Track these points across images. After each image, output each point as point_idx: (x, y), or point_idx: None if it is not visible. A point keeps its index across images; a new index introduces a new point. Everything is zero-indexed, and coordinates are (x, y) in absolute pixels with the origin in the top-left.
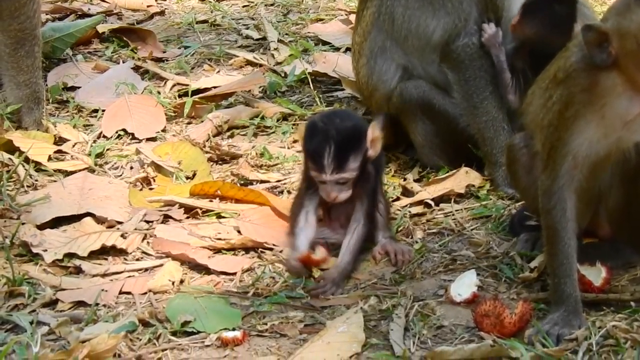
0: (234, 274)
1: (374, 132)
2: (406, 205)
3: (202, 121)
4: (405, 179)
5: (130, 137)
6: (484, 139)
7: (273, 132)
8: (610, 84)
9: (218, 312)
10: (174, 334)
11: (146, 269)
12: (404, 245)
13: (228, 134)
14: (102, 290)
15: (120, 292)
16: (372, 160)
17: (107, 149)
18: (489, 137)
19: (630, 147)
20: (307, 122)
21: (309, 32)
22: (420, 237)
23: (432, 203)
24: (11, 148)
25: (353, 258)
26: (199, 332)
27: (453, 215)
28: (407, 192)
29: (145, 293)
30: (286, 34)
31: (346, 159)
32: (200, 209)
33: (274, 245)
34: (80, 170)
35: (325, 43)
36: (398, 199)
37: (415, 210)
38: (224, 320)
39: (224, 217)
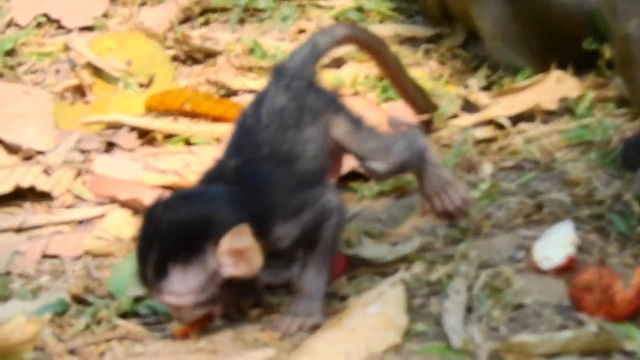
0: None
1: (235, 241)
2: (468, 126)
3: (163, 1)
4: (466, 87)
5: (56, 25)
6: None
7: (268, 18)
8: None
9: None
10: (122, 316)
11: (80, 222)
12: (460, 185)
13: (201, 19)
14: (16, 252)
15: (44, 256)
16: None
17: (22, 44)
18: None
19: None
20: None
21: None
22: (490, 173)
23: (508, 122)
24: None
25: (322, 277)
26: (157, 312)
27: (538, 140)
28: (469, 107)
29: (80, 257)
30: None
31: (166, 277)
32: (160, 132)
33: None
34: None
35: None
36: (455, 116)
37: (482, 133)
38: None
39: (194, 144)
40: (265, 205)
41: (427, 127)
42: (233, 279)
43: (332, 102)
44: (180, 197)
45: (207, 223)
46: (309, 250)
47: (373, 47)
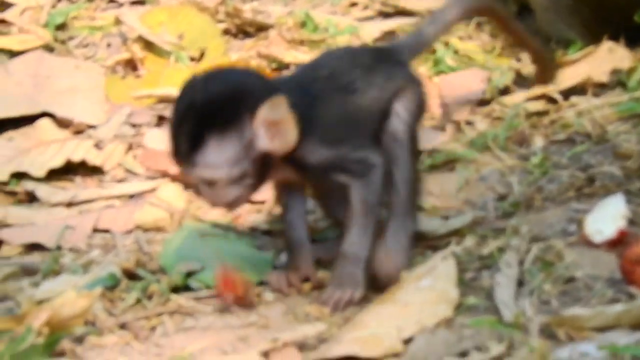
0: (263, 202)
1: (271, 112)
2: (520, 100)
3: None
4: (519, 60)
5: None
6: None
7: None
8: None
9: (239, 257)
10: (174, 290)
11: (132, 196)
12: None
13: None
14: (67, 227)
15: (94, 230)
16: (277, 155)
17: (73, 17)
18: None
19: None
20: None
21: None
22: (541, 146)
23: (559, 96)
24: None
25: (366, 239)
26: (209, 287)
27: (590, 113)
28: (521, 80)
29: (130, 231)
30: None
31: (202, 148)
32: None
33: None
34: (33, 49)
35: None
36: (507, 90)
37: (534, 106)
38: (248, 269)
39: None
40: (306, 113)
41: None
42: (267, 155)
43: (414, 83)
44: (217, 71)
45: (244, 94)
46: (351, 213)
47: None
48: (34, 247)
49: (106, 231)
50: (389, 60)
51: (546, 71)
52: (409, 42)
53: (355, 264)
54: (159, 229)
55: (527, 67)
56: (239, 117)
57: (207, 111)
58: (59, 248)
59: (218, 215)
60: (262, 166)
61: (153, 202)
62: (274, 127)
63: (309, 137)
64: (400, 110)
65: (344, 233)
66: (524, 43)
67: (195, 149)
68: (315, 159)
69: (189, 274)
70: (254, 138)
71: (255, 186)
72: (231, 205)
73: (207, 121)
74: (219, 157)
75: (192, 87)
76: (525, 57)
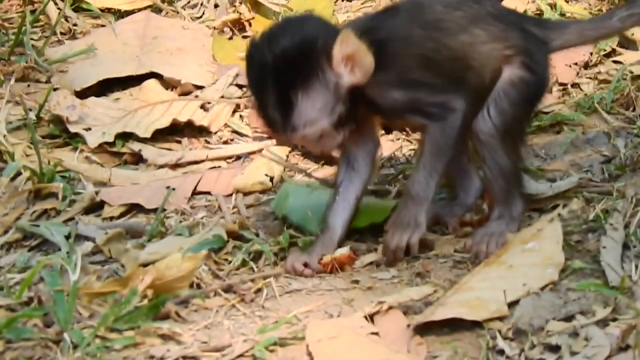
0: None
1: (343, 47)
2: (624, 63)
3: None
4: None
5: None
6: None
7: None
8: None
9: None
10: (281, 249)
11: (239, 157)
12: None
13: None
14: (169, 188)
15: (195, 192)
16: (365, 88)
17: None
18: None
19: None
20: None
21: None
22: None
23: None
24: None
25: (432, 181)
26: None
27: None
28: (626, 43)
29: (231, 194)
30: None
31: (294, 111)
32: None
33: None
34: (140, 10)
35: None
36: (613, 52)
37: (639, 68)
38: (370, 211)
39: None
40: (379, 49)
41: None
42: (354, 88)
43: (532, 61)
44: (277, 28)
45: (313, 41)
46: (422, 152)
47: None
48: (138, 209)
49: (207, 193)
50: (519, 27)
51: None
52: (583, 25)
53: (419, 204)
54: (259, 192)
55: (633, 30)
56: (317, 65)
57: (283, 72)
58: (164, 210)
59: (324, 174)
60: (352, 102)
61: (256, 165)
62: (350, 60)
63: (382, 76)
64: (492, 105)
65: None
66: None
67: (289, 113)
68: (389, 101)
69: (293, 236)
70: (337, 78)
71: (352, 122)
72: (340, 146)
73: (288, 82)
74: (314, 110)
75: (258, 51)
76: None
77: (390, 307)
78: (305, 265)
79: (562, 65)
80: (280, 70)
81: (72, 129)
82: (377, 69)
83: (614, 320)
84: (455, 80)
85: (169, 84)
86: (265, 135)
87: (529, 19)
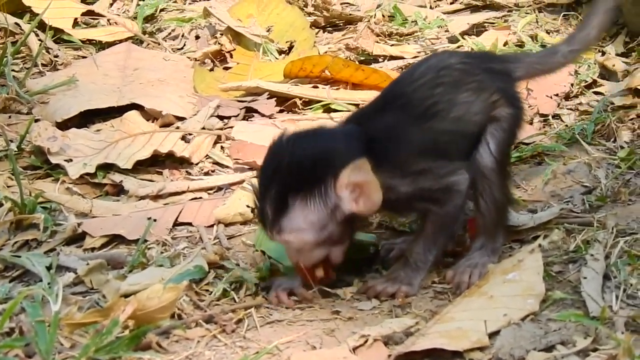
0: None
1: (354, 175)
2: (605, 94)
3: None
4: (603, 54)
5: None
6: None
7: None
8: None
9: None
10: (262, 279)
11: (220, 188)
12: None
13: None
14: (151, 219)
15: (177, 224)
16: (359, 219)
17: (161, 10)
18: None
19: None
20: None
21: None
22: (628, 140)
23: None
24: (19, 8)
25: (431, 254)
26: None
27: None
28: (607, 74)
29: (212, 225)
30: None
31: (287, 213)
32: (300, 98)
33: None
34: (121, 41)
35: None
36: (594, 83)
37: (621, 100)
38: (355, 247)
39: (335, 111)
40: (384, 152)
41: None
42: (353, 216)
43: (513, 105)
44: (301, 134)
45: (328, 158)
46: (425, 223)
47: None
48: (119, 240)
49: (189, 224)
50: (488, 69)
51: None
52: (532, 59)
53: (416, 271)
54: (240, 224)
55: (611, 60)
56: (323, 181)
57: (291, 176)
58: (145, 241)
59: None
60: (347, 226)
61: (237, 196)
62: (357, 189)
63: (387, 177)
64: (491, 139)
65: (414, 236)
66: None
67: (281, 214)
68: (396, 196)
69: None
70: (338, 201)
71: (341, 245)
72: (324, 271)
73: (291, 186)
74: (304, 220)
75: (278, 150)
76: (610, 50)
77: (374, 339)
78: (290, 293)
79: (543, 96)
80: (290, 172)
81: (54, 160)
82: (381, 172)
83: (595, 350)
84: (459, 152)
85: (150, 115)
86: (247, 167)
87: (486, 58)
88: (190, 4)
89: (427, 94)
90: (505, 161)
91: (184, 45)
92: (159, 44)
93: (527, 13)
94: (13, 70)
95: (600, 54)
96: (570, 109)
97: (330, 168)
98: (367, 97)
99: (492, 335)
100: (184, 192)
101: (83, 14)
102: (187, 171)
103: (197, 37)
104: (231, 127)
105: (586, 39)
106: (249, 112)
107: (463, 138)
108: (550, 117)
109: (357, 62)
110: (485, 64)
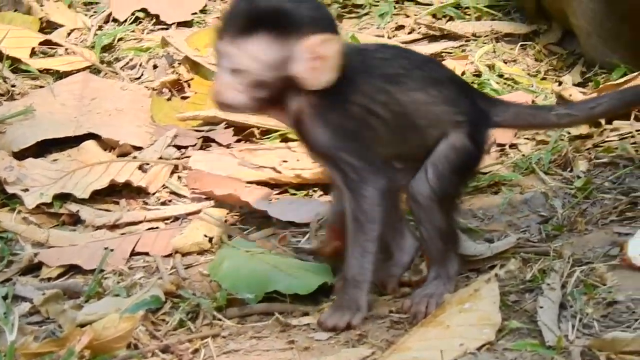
0: (307, 224)
1: (324, 45)
2: None
3: None
4: (560, 84)
5: (154, 20)
6: None
7: (366, 14)
8: None
9: (295, 267)
10: (218, 309)
11: (177, 218)
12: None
13: None
14: (107, 249)
15: (134, 253)
16: (308, 89)
17: (119, 39)
18: None
19: None
20: None
21: None
22: (584, 170)
23: (602, 120)
24: None
25: (366, 261)
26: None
27: (633, 137)
28: (564, 103)
29: (170, 255)
30: None
31: (249, 36)
32: (258, 127)
33: None
34: (79, 71)
35: None
36: None
37: (577, 130)
38: (308, 276)
39: (293, 140)
40: (351, 77)
41: None
42: (292, 80)
43: (474, 140)
44: None
45: (313, 17)
46: (348, 231)
47: None
48: (76, 270)
49: (146, 253)
50: (467, 94)
51: None
52: (524, 109)
53: (358, 287)
54: (197, 253)
55: (569, 90)
56: (294, 33)
57: (271, 11)
58: (101, 271)
59: (260, 236)
60: (280, 90)
61: (195, 225)
62: (317, 60)
63: (322, 104)
64: (431, 168)
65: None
66: None
67: (243, 34)
68: (314, 136)
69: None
70: (293, 57)
71: (261, 105)
72: (230, 106)
73: (267, 18)
74: (258, 50)
75: None
76: (568, 80)
77: None
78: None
79: None
80: (273, 8)
81: (10, 189)
82: (324, 92)
83: None
84: (391, 145)
85: (107, 144)
86: (204, 196)
87: (475, 91)
88: (148, 33)
89: (406, 66)
90: (449, 192)
91: (142, 74)
92: (117, 74)
93: (485, 43)
94: None
95: (557, 83)
96: (527, 139)
97: (308, 26)
98: None
99: None
100: (140, 222)
101: (40, 44)
102: (144, 201)
103: (155, 67)
104: (188, 157)
105: (589, 112)
106: (207, 142)
107: (406, 127)
108: (507, 147)
109: None
110: (469, 91)
